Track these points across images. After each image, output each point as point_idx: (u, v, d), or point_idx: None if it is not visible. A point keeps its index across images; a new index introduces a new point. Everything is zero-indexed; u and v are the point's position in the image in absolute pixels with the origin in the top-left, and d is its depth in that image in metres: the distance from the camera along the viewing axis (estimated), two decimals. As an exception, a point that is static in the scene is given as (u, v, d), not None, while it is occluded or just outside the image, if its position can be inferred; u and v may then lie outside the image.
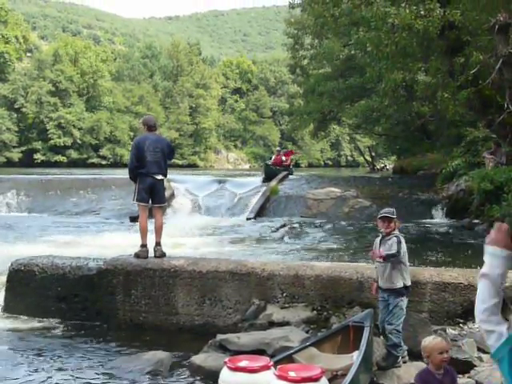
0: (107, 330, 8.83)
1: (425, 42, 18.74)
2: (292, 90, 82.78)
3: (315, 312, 8.05)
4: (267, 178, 25.62)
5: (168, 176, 25.61)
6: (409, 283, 6.63)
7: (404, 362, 6.46)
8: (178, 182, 24.83)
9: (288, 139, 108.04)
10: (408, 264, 6.69)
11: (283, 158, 29.19)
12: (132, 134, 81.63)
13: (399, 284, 6.53)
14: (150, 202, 9.76)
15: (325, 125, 43.58)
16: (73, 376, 6.91)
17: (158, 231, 9.78)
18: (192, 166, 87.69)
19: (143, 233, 9.71)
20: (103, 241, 14.31)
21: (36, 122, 75.44)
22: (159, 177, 9.72)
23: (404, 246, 6.52)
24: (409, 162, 34.60)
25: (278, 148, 32.60)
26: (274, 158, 29.50)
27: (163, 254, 9.59)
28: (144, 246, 9.64)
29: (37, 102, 75.80)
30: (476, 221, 17.56)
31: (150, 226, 9.80)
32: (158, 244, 9.70)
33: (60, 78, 77.33)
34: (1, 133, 69.84)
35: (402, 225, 6.88)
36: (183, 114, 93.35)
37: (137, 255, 9.56)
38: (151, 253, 9.59)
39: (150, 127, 9.93)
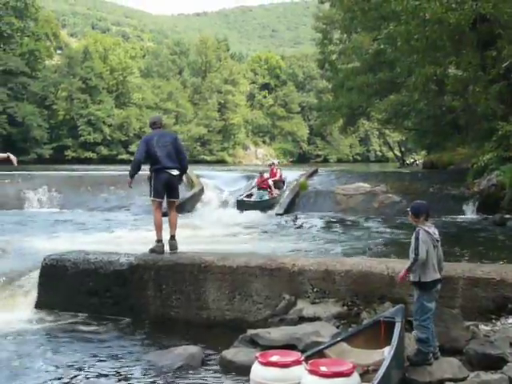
0: (138, 325, 8.88)
1: (456, 36, 18.56)
2: (321, 85, 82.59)
3: (346, 307, 8.02)
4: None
5: (197, 172, 25.74)
6: (426, 279, 6.43)
7: (436, 359, 6.40)
8: (208, 178, 24.93)
9: (316, 135, 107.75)
10: (433, 258, 6.52)
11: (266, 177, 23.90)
12: (161, 130, 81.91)
13: (414, 278, 6.47)
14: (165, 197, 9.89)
15: (354, 120, 43.33)
16: (105, 370, 6.98)
17: (173, 225, 9.94)
18: (220, 161, 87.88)
19: (158, 228, 9.83)
20: (134, 236, 14.39)
21: (66, 118, 76.08)
22: (175, 172, 9.81)
23: (422, 242, 6.40)
24: (439, 156, 34.28)
25: (270, 161, 26.60)
26: (256, 180, 23.97)
27: (176, 248, 9.71)
28: (159, 241, 9.76)
29: (67, 98, 76.48)
30: (507, 216, 17.36)
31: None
32: (172, 238, 9.84)
33: (90, 74, 77.91)
34: (32, 130, 70.52)
35: (432, 220, 6.80)
36: (212, 110, 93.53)
37: (152, 250, 9.69)
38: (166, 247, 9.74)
39: (153, 124, 10.19)
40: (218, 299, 8.81)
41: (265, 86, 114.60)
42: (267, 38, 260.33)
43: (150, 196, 9.84)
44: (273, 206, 22.07)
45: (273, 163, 25.44)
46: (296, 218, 19.16)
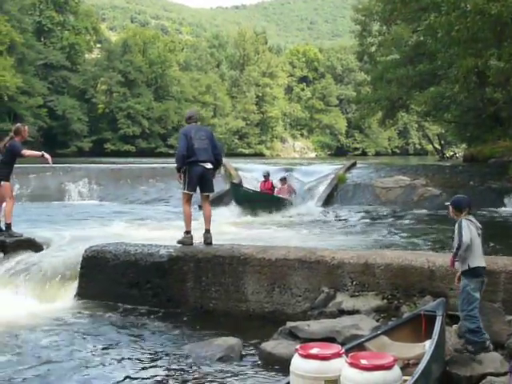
0: (178, 317, 8.94)
1: (498, 27, 18.25)
2: (359, 77, 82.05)
3: (385, 301, 7.97)
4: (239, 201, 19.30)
5: (235, 165, 25.79)
6: (474, 264, 6.40)
7: (489, 351, 6.33)
8: (246, 171, 24.95)
9: (355, 128, 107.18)
10: (478, 244, 6.48)
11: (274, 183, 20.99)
12: (199, 123, 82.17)
13: (464, 267, 6.42)
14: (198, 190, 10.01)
15: (393, 112, 42.87)
16: (144, 361, 7.04)
17: (208, 219, 10.00)
18: (258, 155, 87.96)
19: (188, 219, 9.92)
20: (174, 228, 14.45)
21: (106, 112, 76.88)
22: (208, 166, 9.89)
23: (465, 227, 6.36)
24: (480, 149, 33.78)
25: (265, 171, 21.35)
26: (261, 183, 20.95)
27: (211, 242, 9.79)
28: (188, 232, 9.85)
29: (106, 92, 77.33)
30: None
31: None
32: (207, 231, 9.90)
33: (129, 68, 78.53)
34: (72, 123, 71.39)
35: (472, 213, 6.71)
36: (250, 103, 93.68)
37: (181, 242, 9.78)
38: (197, 239, 9.86)
39: (188, 118, 10.30)
40: (257, 291, 8.83)
41: (303, 79, 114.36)
42: (305, 30, 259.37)
43: (184, 189, 9.92)
44: (283, 207, 19.37)
45: (284, 178, 21.48)
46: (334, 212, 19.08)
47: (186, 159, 9.74)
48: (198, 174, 9.80)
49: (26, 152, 11.49)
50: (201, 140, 9.84)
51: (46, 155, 11.43)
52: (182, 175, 9.86)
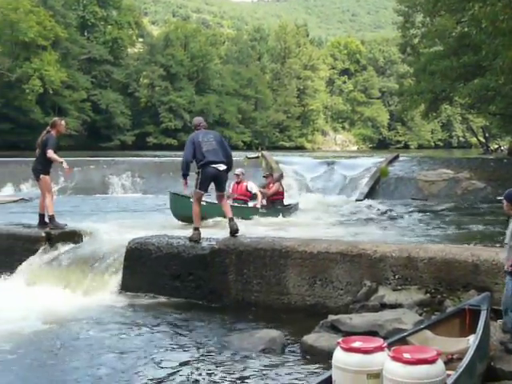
0: (220, 309, 9.01)
1: (544, 16, 17.89)
2: (402, 69, 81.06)
3: (428, 295, 7.91)
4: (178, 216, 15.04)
5: (276, 158, 25.76)
6: None
7: None
8: (287, 164, 24.94)
9: (397, 120, 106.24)
10: None
11: (249, 187, 16.25)
12: (240, 116, 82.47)
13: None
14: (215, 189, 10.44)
15: (436, 105, 42.37)
16: (186, 352, 7.12)
17: (228, 210, 10.33)
18: (299, 148, 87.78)
19: (196, 217, 10.21)
20: (216, 221, 14.51)
21: (148, 105, 77.35)
22: (221, 167, 10.19)
23: None
24: (525, 142, 33.26)
25: (238, 170, 16.06)
26: (232, 186, 16.12)
27: (237, 229, 9.96)
28: (197, 228, 10.04)
29: (149, 86, 77.76)
30: None
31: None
32: (231, 220, 10.08)
33: (171, 62, 78.88)
34: (115, 117, 72.03)
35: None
36: (291, 96, 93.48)
37: (190, 238, 9.93)
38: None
39: (197, 126, 10.62)
40: (299, 284, 8.83)
41: (344, 72, 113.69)
42: (347, 22, 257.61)
43: (196, 188, 10.21)
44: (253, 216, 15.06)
45: (237, 174, 16.12)
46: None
47: (198, 162, 10.08)
48: (211, 175, 10.16)
49: (50, 153, 11.56)
50: (209, 142, 10.19)
51: (65, 165, 11.55)
52: (196, 176, 10.18)
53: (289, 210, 16.76)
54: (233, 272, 9.30)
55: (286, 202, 17.36)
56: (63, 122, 12.15)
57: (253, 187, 16.08)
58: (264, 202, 16.38)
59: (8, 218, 14.04)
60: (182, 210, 14.23)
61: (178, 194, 14.85)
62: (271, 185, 16.88)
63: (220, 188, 10.43)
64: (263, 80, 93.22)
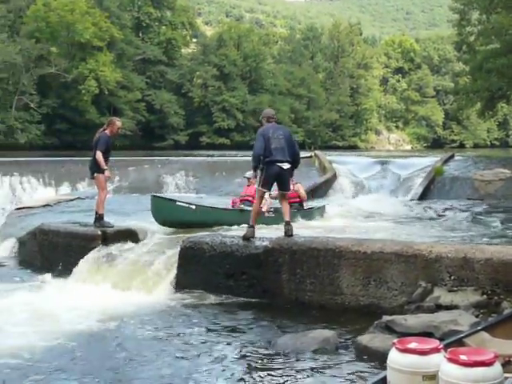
0: (273, 308, 9.03)
1: None
2: (457, 67, 79.92)
3: (485, 296, 7.77)
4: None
5: (329, 157, 25.67)
6: None
7: None
8: (340, 164, 24.82)
9: (452, 119, 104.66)
10: None
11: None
12: (293, 116, 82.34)
13: None
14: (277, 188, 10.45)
15: (492, 103, 41.67)
16: (239, 350, 7.15)
17: (287, 212, 10.22)
18: (352, 147, 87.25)
19: (255, 214, 10.20)
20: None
21: (201, 105, 77.86)
22: (285, 166, 10.12)
23: None
24: None
25: (248, 174, 14.53)
26: (246, 187, 15.09)
27: (292, 233, 9.89)
28: (251, 226, 10.01)
29: (202, 86, 78.27)
30: None
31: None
32: (288, 223, 10.00)
33: (224, 62, 79.25)
34: (169, 117, 72.71)
35: None
36: (344, 95, 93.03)
37: (244, 236, 9.93)
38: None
39: (269, 118, 10.45)
40: (353, 284, 8.79)
41: (398, 70, 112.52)
42: (401, 20, 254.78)
43: (258, 186, 10.23)
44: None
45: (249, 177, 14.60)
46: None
47: (264, 158, 9.98)
48: (274, 173, 10.09)
49: (98, 154, 11.69)
50: (278, 140, 10.06)
51: (107, 173, 11.72)
52: (259, 173, 10.13)
53: (309, 213, 14.96)
54: (286, 271, 9.31)
55: (312, 203, 16.46)
56: (118, 123, 12.26)
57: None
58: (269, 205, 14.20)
59: (65, 217, 14.30)
60: (162, 213, 12.29)
61: (160, 197, 13.29)
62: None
63: (283, 187, 10.36)
64: (316, 79, 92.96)
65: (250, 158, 10.35)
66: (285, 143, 10.09)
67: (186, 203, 12.48)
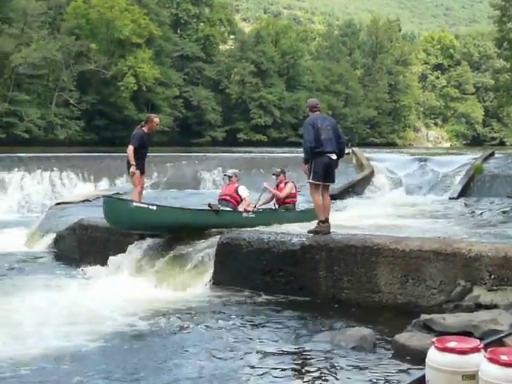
0: (310, 305, 9.02)
1: None
2: (498, 64, 78.58)
3: (526, 296, 7.67)
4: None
5: (367, 154, 25.52)
6: None
7: None
8: (378, 161, 24.61)
9: (492, 116, 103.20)
10: None
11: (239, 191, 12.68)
12: (330, 112, 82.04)
13: None
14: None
15: (534, 101, 41.11)
16: (275, 348, 7.16)
17: (327, 208, 10.15)
18: (390, 144, 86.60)
19: (320, 209, 10.04)
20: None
21: (239, 102, 78.03)
22: (334, 156, 10.01)
23: None
24: None
25: (230, 171, 13.36)
26: (225, 186, 13.55)
27: (329, 231, 9.87)
28: (323, 221, 9.95)
29: (239, 82, 78.39)
30: None
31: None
32: (326, 220, 9.97)
33: (262, 58, 79.27)
34: (207, 113, 73.01)
35: None
36: (382, 92, 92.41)
37: (316, 231, 9.85)
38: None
39: (313, 108, 10.30)
40: (390, 283, 8.73)
41: (437, 67, 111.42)
42: (440, 16, 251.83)
43: (309, 178, 10.03)
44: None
45: (229, 175, 13.19)
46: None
47: (312, 149, 9.85)
48: (324, 164, 9.93)
49: (128, 149, 11.78)
50: (327, 130, 9.95)
51: (132, 169, 11.75)
52: (308, 165, 9.98)
53: (298, 214, 13.22)
54: (323, 268, 9.29)
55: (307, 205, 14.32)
56: (156, 119, 12.27)
57: (243, 191, 12.57)
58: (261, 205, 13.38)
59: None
60: (118, 217, 10.90)
61: (111, 197, 12.18)
62: (282, 184, 13.37)
63: (329, 178, 10.17)
64: (354, 76, 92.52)
65: (301, 152, 10.25)
66: (332, 134, 9.99)
67: (146, 204, 10.94)
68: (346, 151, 17.42)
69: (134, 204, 10.88)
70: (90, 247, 12.30)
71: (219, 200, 12.40)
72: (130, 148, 11.67)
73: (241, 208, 12.21)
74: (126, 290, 9.64)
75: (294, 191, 13.41)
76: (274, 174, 13.77)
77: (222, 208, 11.84)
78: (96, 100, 60.75)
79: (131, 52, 63.22)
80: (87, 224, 12.72)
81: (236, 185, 12.71)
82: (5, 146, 42.23)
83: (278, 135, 77.97)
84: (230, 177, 12.98)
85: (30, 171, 23.50)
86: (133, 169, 11.75)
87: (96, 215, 13.54)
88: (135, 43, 63.14)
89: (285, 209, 13.18)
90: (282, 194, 13.15)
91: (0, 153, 26.88)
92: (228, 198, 12.36)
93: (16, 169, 23.53)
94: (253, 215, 12.00)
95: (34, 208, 21.76)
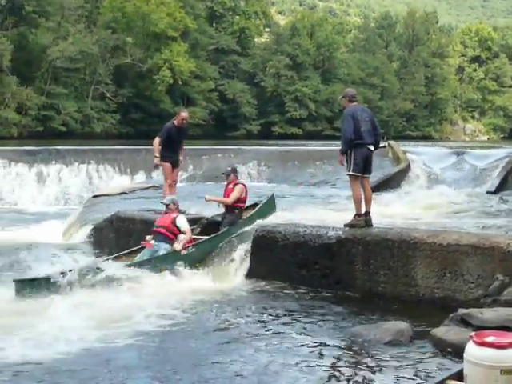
0: (346, 299, 9.02)
1: None
2: (537, 56, 77.71)
3: None
4: None
5: (403, 148, 25.31)
6: None
7: None
8: (414, 154, 24.43)
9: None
10: None
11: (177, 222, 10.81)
12: (366, 105, 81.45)
13: None
14: None
15: None
16: (311, 341, 7.19)
17: (369, 201, 10.02)
18: (426, 137, 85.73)
19: (358, 202, 9.94)
20: (341, 211, 14.43)
21: (274, 95, 77.94)
22: (372, 147, 9.94)
23: None
24: None
25: (167, 199, 11.14)
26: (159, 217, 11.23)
27: (372, 224, 9.82)
28: (360, 215, 9.85)
29: (274, 75, 78.23)
30: None
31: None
32: (367, 214, 9.90)
33: (297, 51, 79.04)
34: (242, 106, 73.08)
35: None
36: (418, 85, 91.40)
37: (352, 225, 9.78)
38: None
39: (352, 97, 10.18)
40: (427, 276, 8.68)
41: (475, 59, 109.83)
42: (478, 8, 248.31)
43: (349, 170, 9.93)
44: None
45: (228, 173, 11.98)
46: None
47: (351, 141, 9.76)
48: (364, 155, 9.86)
49: (154, 140, 11.97)
50: (365, 122, 9.88)
51: (156, 161, 11.86)
52: (346, 157, 9.88)
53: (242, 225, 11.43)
54: (359, 262, 9.26)
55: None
56: (183, 114, 12.36)
57: (183, 223, 10.67)
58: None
59: (140, 205, 14.56)
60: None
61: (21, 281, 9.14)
62: (231, 185, 11.67)
63: (368, 170, 10.08)
64: (390, 68, 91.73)
65: (337, 145, 10.22)
66: (370, 125, 9.93)
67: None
68: (382, 144, 17.17)
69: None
70: (126, 239, 12.41)
71: (153, 232, 10.57)
72: (156, 140, 11.83)
73: (178, 246, 10.40)
74: (164, 282, 9.71)
75: (243, 195, 11.59)
76: (223, 174, 12.26)
77: (156, 243, 10.36)
78: (132, 93, 61.21)
79: (167, 45, 63.48)
80: (124, 216, 12.84)
81: (174, 215, 10.75)
82: (42, 138, 42.81)
83: (312, 128, 77.71)
84: (167, 205, 10.98)
85: (68, 164, 23.81)
86: (156, 160, 11.86)
87: (132, 207, 13.70)
88: (171, 36, 63.38)
89: (231, 215, 11.41)
90: (230, 200, 11.39)
91: (38, 145, 27.26)
92: (163, 230, 10.48)
93: (54, 161, 23.86)
94: (192, 249, 10.50)
95: (71, 200, 22.05)
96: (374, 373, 6.16)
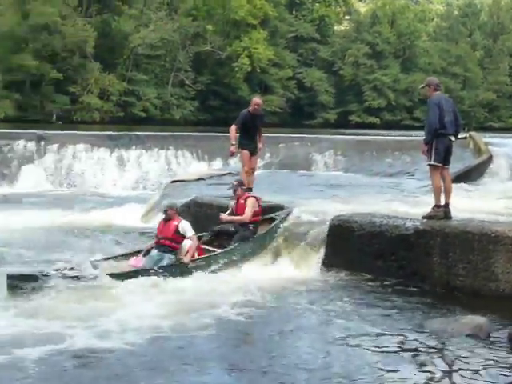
0: (423, 291, 8.89)
1: None
2: None
3: None
4: None
5: (485, 139, 24.65)
6: None
7: None
8: (497, 146, 23.76)
9: None
10: None
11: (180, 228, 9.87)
12: (447, 95, 79.23)
13: None
14: None
15: None
16: (387, 333, 7.17)
17: (449, 192, 9.81)
18: (510, 129, 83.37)
19: (438, 193, 9.75)
20: (419, 202, 14.17)
21: (352, 84, 77.27)
22: (453, 138, 9.77)
23: None
24: None
25: (167, 204, 10.71)
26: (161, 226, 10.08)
27: (451, 216, 9.63)
28: (439, 206, 9.66)
29: (353, 64, 77.48)
30: None
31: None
32: (447, 205, 9.70)
33: (377, 39, 78.05)
34: (319, 95, 72.77)
35: None
36: (502, 75, 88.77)
37: (430, 216, 9.60)
38: None
39: (437, 86, 9.98)
40: (508, 271, 8.49)
41: None
42: None
43: (430, 160, 9.74)
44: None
45: (235, 184, 11.17)
46: None
47: (434, 131, 9.59)
48: (446, 146, 9.69)
49: (230, 128, 12.07)
50: (449, 112, 9.69)
51: (232, 148, 11.89)
52: (428, 147, 9.71)
53: (257, 242, 10.79)
54: (437, 254, 9.10)
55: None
56: (255, 100, 12.39)
57: (187, 229, 9.86)
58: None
59: (217, 191, 14.68)
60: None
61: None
62: (241, 200, 10.86)
63: (448, 161, 9.90)
64: (473, 57, 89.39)
65: (416, 135, 10.07)
66: (453, 116, 9.76)
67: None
68: (463, 135, 16.68)
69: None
70: (203, 224, 12.53)
71: (156, 244, 9.85)
72: (232, 127, 11.93)
73: (186, 258, 9.60)
74: (243, 268, 9.92)
75: (257, 208, 10.86)
76: (229, 189, 11.53)
77: (159, 253, 9.65)
78: (211, 80, 61.77)
79: (246, 33, 63.76)
80: (201, 201, 12.98)
81: (175, 222, 9.84)
82: (123, 124, 43.65)
83: (391, 118, 76.71)
84: (165, 211, 10.07)
85: (147, 149, 24.24)
86: (232, 148, 11.94)
87: (210, 193, 13.85)
88: (250, 24, 63.62)
89: (244, 231, 10.64)
90: (247, 218, 10.62)
91: (119, 131, 27.83)
92: (168, 242, 9.71)
93: (134, 147, 24.34)
94: (203, 262, 9.78)
95: (150, 185, 22.46)
96: (450, 367, 6.09)
